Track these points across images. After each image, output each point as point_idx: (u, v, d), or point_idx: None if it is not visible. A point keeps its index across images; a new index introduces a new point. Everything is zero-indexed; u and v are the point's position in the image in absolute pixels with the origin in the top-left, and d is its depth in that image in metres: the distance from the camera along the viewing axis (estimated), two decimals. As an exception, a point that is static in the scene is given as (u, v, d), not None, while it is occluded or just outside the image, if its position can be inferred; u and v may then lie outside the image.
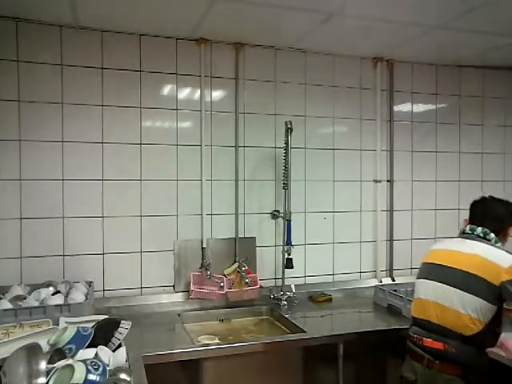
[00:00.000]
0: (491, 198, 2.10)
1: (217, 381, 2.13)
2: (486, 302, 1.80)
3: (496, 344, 1.91)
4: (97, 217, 2.61)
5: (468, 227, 2.05)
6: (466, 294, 1.83)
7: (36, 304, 2.14)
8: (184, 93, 2.77)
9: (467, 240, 2.00)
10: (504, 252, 1.87)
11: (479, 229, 2.00)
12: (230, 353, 2.12)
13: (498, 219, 2.02)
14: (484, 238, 1.97)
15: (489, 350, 1.89)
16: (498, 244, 1.97)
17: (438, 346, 1.86)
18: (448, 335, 1.85)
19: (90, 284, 2.46)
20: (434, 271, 1.99)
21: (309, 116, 3.02)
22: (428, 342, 1.90)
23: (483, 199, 2.10)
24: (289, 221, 2.78)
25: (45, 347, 1.59)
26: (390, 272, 3.22)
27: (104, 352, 1.62)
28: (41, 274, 2.46)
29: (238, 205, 2.85)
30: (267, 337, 2.43)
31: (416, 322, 2.03)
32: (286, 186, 2.76)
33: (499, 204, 2.06)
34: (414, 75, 3.26)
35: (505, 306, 1.85)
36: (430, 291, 1.96)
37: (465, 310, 1.82)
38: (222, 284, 2.73)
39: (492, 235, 1.97)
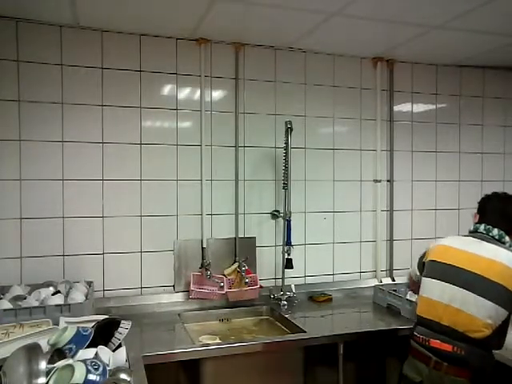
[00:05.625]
0: (505, 195, 2.01)
1: (217, 381, 2.13)
2: (501, 308, 1.78)
3: (502, 346, 1.87)
4: (97, 217, 2.61)
5: (483, 227, 1.95)
6: (485, 300, 1.78)
7: (36, 304, 2.14)
8: (184, 93, 2.77)
9: (484, 242, 1.91)
10: None
11: (495, 230, 1.92)
12: (230, 353, 2.12)
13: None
14: (499, 241, 1.91)
15: (495, 352, 1.87)
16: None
17: (447, 347, 1.81)
18: (457, 337, 1.81)
19: (89, 284, 2.46)
20: (452, 273, 1.90)
21: (309, 116, 3.02)
22: (436, 343, 1.85)
23: (496, 195, 2.02)
24: (289, 221, 2.79)
25: (45, 347, 1.59)
26: (390, 272, 3.22)
27: (104, 352, 1.62)
28: (41, 273, 2.46)
29: (238, 205, 2.85)
30: (267, 337, 2.43)
31: (422, 321, 1.96)
32: (285, 186, 2.76)
33: None
34: (414, 75, 3.26)
35: None
36: (447, 294, 1.88)
37: (480, 314, 1.78)
38: (222, 284, 2.73)
39: (507, 238, 1.91)
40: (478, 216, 2.03)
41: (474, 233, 2.00)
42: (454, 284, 1.87)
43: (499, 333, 1.82)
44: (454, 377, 1.79)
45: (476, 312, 1.79)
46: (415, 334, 1.96)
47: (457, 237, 2.06)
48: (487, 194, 2.05)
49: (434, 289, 1.94)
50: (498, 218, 1.94)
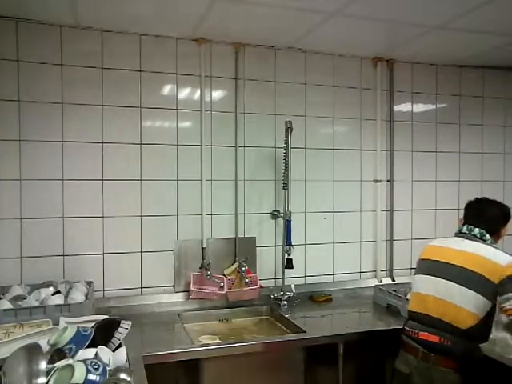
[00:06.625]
0: (485, 199, 2.19)
1: (217, 381, 2.13)
2: (484, 298, 1.89)
3: (487, 338, 1.95)
4: (97, 217, 2.61)
5: (465, 227, 2.12)
6: (468, 290, 1.90)
7: (36, 304, 2.14)
8: (184, 93, 2.77)
9: (467, 240, 2.06)
10: (502, 252, 1.97)
11: (476, 229, 2.08)
12: (230, 353, 2.12)
13: (492, 221, 2.11)
14: (480, 239, 2.05)
15: (482, 345, 1.93)
16: (494, 244, 2.07)
17: (434, 339, 1.92)
18: (444, 329, 1.91)
19: (89, 284, 2.46)
20: (437, 268, 2.05)
21: (309, 116, 3.02)
22: (424, 335, 1.96)
23: (478, 200, 2.20)
24: (289, 221, 2.79)
25: (45, 347, 1.59)
26: (390, 272, 3.22)
27: (104, 352, 1.62)
28: (41, 273, 2.46)
29: (238, 205, 2.85)
30: (267, 337, 2.43)
31: (413, 316, 2.09)
32: (285, 186, 2.76)
33: (493, 206, 2.15)
34: (414, 75, 3.26)
35: (499, 303, 1.90)
36: (433, 286, 2.02)
37: (465, 305, 1.90)
38: (222, 284, 2.73)
39: (488, 236, 2.06)
40: (462, 220, 2.20)
41: (458, 233, 2.16)
42: (440, 277, 2.01)
43: (484, 324, 1.92)
44: (440, 367, 1.89)
45: (461, 302, 1.91)
46: (406, 328, 2.09)
47: (443, 238, 2.22)
48: (470, 200, 2.22)
49: (422, 284, 2.09)
50: (478, 219, 2.11)
